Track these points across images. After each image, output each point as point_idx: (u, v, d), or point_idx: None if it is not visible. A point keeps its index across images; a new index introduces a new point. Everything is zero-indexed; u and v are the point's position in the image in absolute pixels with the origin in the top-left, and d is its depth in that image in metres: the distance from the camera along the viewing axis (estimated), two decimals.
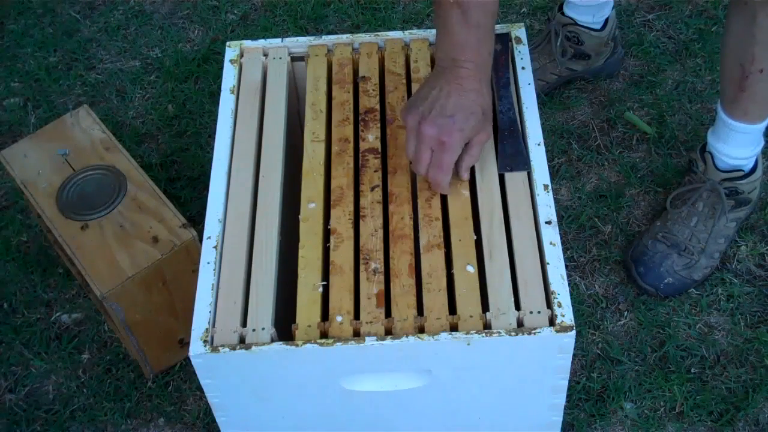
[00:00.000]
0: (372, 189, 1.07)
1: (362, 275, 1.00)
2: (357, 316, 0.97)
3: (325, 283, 1.00)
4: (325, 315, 0.98)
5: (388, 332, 0.96)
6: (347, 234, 1.03)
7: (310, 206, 1.06)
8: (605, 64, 1.69)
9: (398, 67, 1.18)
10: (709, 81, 1.70)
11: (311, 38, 1.22)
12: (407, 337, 0.93)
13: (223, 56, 1.21)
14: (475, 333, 0.93)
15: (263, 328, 0.96)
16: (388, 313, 0.97)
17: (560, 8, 1.63)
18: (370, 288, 0.99)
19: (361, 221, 1.04)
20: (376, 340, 0.93)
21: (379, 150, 1.11)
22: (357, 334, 0.95)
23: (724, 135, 1.37)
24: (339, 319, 0.96)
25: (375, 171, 1.09)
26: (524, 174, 1.07)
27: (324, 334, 0.96)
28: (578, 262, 1.48)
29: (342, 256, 1.01)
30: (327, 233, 1.04)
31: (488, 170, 1.07)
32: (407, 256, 1.01)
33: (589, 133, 1.64)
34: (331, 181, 1.08)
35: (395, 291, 0.98)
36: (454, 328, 0.95)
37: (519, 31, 1.20)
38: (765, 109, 1.34)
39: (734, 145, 1.37)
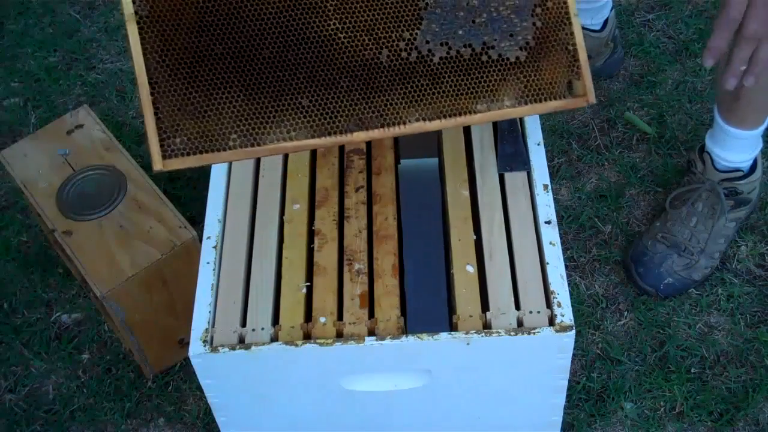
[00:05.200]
0: (357, 190, 1.07)
1: (346, 276, 1.00)
2: (340, 317, 0.97)
3: (308, 284, 1.00)
4: (308, 316, 0.98)
5: (371, 333, 0.96)
6: (331, 235, 1.03)
7: (295, 207, 1.06)
8: (605, 64, 1.69)
9: None
10: (709, 81, 1.70)
11: None
12: (407, 336, 0.93)
13: None
14: (475, 333, 0.93)
15: (263, 328, 0.96)
16: (371, 314, 0.97)
17: None
18: (354, 289, 0.99)
19: (345, 222, 1.04)
20: (376, 340, 0.93)
21: (364, 151, 1.11)
22: (340, 335, 0.95)
23: (721, 140, 1.37)
24: (322, 320, 0.96)
25: (360, 172, 1.09)
26: (524, 174, 1.07)
27: (307, 335, 0.96)
28: (578, 262, 1.48)
29: (326, 257, 1.01)
30: (311, 234, 1.04)
31: (488, 170, 1.07)
32: (391, 257, 1.01)
33: (589, 133, 1.64)
34: (315, 182, 1.09)
35: (378, 291, 0.98)
36: (453, 327, 0.95)
37: None
38: (762, 115, 1.34)
39: (732, 149, 1.37)
